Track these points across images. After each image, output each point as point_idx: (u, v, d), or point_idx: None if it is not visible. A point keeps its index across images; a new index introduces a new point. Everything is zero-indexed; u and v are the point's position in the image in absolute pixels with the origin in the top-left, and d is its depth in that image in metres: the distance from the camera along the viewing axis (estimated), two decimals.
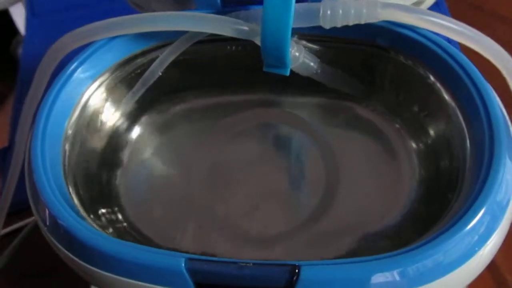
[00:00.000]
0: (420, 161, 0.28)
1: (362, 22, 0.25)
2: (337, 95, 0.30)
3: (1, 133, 0.48)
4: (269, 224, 0.27)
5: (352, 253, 0.26)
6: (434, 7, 0.48)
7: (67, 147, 0.26)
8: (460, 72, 0.24)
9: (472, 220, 0.20)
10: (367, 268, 0.20)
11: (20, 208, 0.36)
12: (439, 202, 0.25)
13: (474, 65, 0.25)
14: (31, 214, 0.25)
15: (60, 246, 0.23)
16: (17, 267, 0.38)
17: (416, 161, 0.28)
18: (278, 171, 0.29)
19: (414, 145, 0.29)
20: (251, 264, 0.20)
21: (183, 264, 0.20)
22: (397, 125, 0.29)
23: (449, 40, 0.25)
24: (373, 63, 0.29)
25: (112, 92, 0.29)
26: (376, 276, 0.20)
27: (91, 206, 0.26)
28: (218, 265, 0.20)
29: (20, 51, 0.54)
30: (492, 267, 0.35)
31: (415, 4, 0.30)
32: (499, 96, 0.25)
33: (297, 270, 0.20)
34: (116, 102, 0.30)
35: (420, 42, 0.25)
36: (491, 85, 0.25)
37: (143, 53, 0.29)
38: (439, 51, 0.25)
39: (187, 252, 0.21)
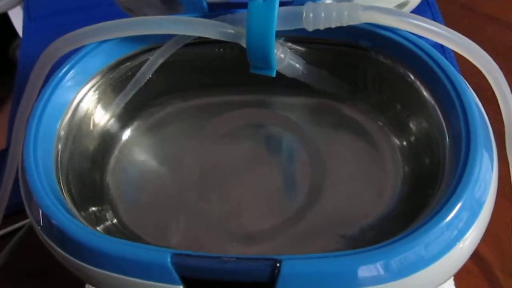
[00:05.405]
0: (404, 158, 0.29)
1: (344, 24, 0.26)
2: (323, 95, 0.31)
3: (0, 135, 0.48)
4: (256, 221, 0.28)
5: (338, 249, 0.26)
6: (425, 8, 0.48)
7: (59, 148, 0.27)
8: (436, 69, 0.25)
9: (449, 214, 0.21)
10: (348, 261, 0.21)
11: (17, 209, 0.36)
12: (422, 198, 0.25)
13: (457, 64, 0.25)
14: (27, 216, 0.25)
15: (53, 245, 0.23)
16: (14, 267, 0.38)
17: (400, 159, 0.29)
18: (266, 170, 0.30)
19: (398, 142, 0.29)
20: (234, 259, 0.21)
21: (169, 259, 0.21)
22: (381, 123, 0.30)
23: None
24: (357, 64, 0.29)
25: (103, 95, 0.30)
26: (356, 269, 0.20)
27: (82, 204, 0.27)
28: (202, 259, 0.21)
29: (18, 54, 0.55)
30: (482, 264, 0.36)
31: (398, 6, 0.30)
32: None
33: (278, 264, 0.20)
34: (107, 104, 0.30)
35: (399, 43, 0.26)
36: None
37: (132, 56, 0.30)
38: (416, 50, 0.26)
39: (175, 249, 0.22)
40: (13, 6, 0.59)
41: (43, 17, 0.54)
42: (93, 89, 0.29)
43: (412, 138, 0.28)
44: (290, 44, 0.29)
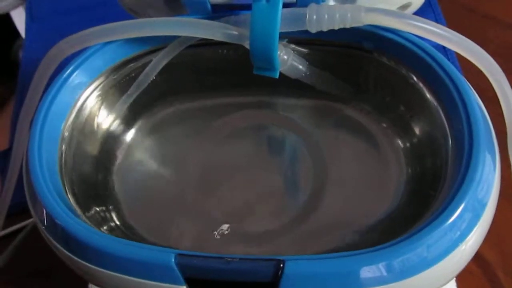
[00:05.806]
0: (407, 160, 0.29)
1: (347, 26, 0.26)
2: (326, 96, 0.31)
3: (2, 135, 0.49)
4: (259, 222, 0.28)
5: (340, 250, 0.26)
6: (428, 10, 0.49)
7: (63, 148, 0.27)
8: (439, 70, 0.25)
9: (452, 215, 0.21)
10: (350, 262, 0.21)
11: (20, 209, 0.36)
12: (425, 199, 0.25)
13: (459, 65, 0.25)
14: (31, 215, 0.25)
15: (57, 245, 0.24)
16: (17, 267, 0.38)
17: (403, 160, 0.29)
18: (269, 171, 0.30)
19: (401, 144, 0.29)
20: (238, 259, 0.21)
21: (172, 260, 0.21)
22: (384, 125, 0.30)
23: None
24: (360, 65, 0.29)
25: (107, 95, 0.30)
26: (359, 270, 0.21)
27: (86, 205, 0.27)
28: (206, 260, 0.21)
29: (21, 54, 0.55)
30: (484, 265, 0.36)
31: (401, 8, 0.30)
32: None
33: (282, 265, 0.20)
34: (111, 105, 0.30)
35: (402, 44, 0.26)
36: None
37: (136, 58, 0.30)
38: (419, 52, 0.26)
39: (178, 249, 0.22)
40: (16, 6, 0.59)
41: (45, 17, 0.54)
42: (97, 90, 0.29)
43: (415, 140, 0.28)
44: (293, 46, 0.29)
